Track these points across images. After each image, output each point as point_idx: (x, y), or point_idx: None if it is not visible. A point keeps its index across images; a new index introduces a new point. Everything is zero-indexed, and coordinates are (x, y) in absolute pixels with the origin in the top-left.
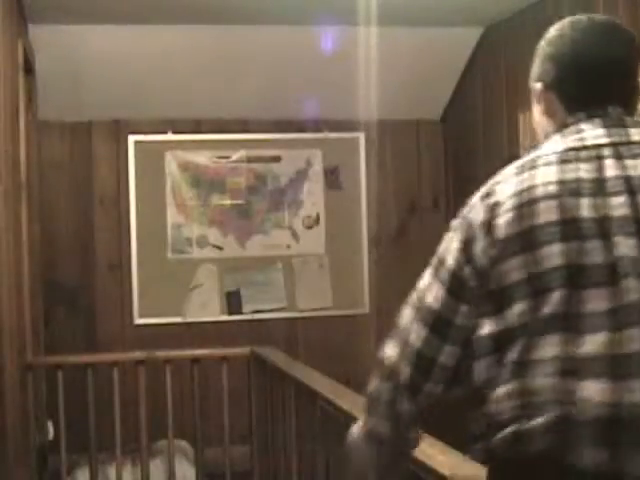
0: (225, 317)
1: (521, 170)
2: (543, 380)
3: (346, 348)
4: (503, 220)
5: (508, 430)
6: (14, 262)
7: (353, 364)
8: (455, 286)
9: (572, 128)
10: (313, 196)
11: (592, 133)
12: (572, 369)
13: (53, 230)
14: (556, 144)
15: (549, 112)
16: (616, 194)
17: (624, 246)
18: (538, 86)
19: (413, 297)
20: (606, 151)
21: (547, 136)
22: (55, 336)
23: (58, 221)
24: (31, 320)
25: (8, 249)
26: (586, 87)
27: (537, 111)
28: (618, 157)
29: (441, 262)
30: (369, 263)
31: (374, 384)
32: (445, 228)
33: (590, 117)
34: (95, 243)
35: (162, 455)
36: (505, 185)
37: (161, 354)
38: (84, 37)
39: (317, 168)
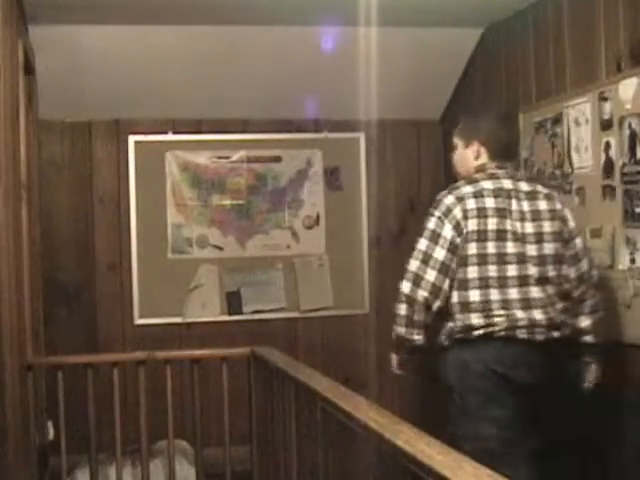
0: (225, 317)
1: (475, 195)
2: (498, 311)
3: (346, 348)
4: (471, 221)
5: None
6: (14, 262)
7: (353, 364)
8: (451, 248)
9: (490, 172)
10: (313, 196)
11: (505, 181)
12: (505, 305)
13: (53, 230)
14: (487, 183)
15: (477, 157)
16: (517, 219)
17: (522, 247)
18: (475, 140)
19: (418, 255)
20: (512, 193)
21: (471, 171)
22: (55, 336)
23: (58, 221)
24: (31, 320)
25: (8, 249)
26: (499, 149)
27: (466, 153)
28: (517, 198)
29: (438, 235)
30: (369, 263)
31: (401, 307)
32: None
33: (499, 167)
34: (95, 243)
35: (162, 455)
36: (469, 201)
37: (161, 354)
38: (84, 37)
39: (317, 168)
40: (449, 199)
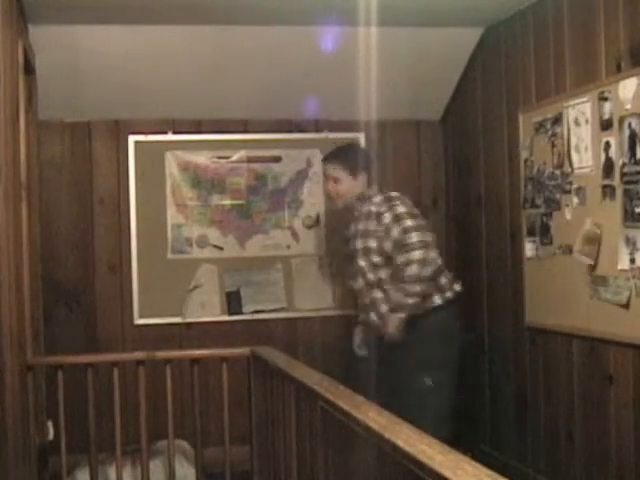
0: (225, 317)
1: (400, 201)
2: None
3: (346, 348)
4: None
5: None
6: (14, 262)
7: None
8: (383, 253)
9: (375, 188)
10: (313, 196)
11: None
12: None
13: (53, 230)
14: (390, 194)
15: (363, 183)
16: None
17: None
18: (362, 172)
19: (363, 254)
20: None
21: (363, 191)
22: (55, 336)
23: (58, 221)
24: (31, 320)
25: (8, 249)
26: (372, 173)
27: (355, 181)
28: (394, 204)
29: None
30: None
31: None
32: (445, 228)
33: (377, 186)
34: (95, 243)
35: (162, 455)
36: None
37: (161, 354)
38: (84, 37)
39: (317, 168)
40: (406, 206)
